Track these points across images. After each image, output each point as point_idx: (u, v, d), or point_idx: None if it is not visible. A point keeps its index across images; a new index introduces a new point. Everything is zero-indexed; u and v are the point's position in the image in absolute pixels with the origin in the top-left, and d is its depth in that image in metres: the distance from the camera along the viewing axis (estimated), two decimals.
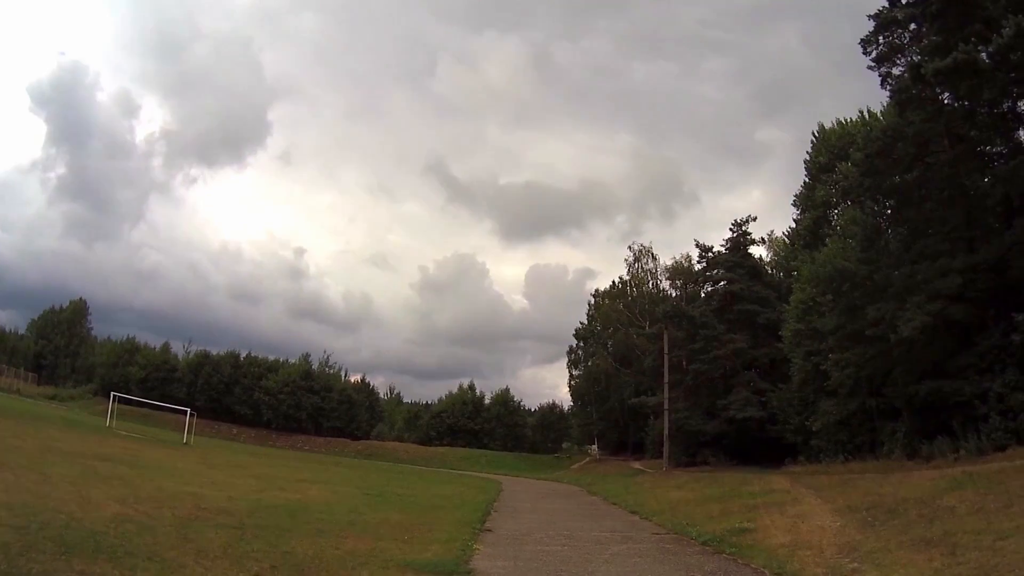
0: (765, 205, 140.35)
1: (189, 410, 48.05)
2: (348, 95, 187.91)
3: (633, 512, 21.57)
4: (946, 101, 28.14)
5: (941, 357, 26.37)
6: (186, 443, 40.76)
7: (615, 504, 25.23)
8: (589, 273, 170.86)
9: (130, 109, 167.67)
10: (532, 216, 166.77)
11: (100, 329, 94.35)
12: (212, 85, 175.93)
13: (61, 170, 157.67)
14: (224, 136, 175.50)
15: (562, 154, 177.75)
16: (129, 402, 54.73)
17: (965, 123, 28.35)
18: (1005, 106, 27.50)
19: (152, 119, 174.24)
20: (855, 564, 10.71)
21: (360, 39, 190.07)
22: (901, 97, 28.38)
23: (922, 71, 24.87)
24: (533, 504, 25.37)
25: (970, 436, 23.74)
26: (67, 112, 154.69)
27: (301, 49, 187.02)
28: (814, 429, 34.11)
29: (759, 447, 40.11)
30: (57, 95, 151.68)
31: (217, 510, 13.90)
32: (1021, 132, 28.04)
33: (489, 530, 15.84)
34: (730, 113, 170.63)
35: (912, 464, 24.63)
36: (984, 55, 23.75)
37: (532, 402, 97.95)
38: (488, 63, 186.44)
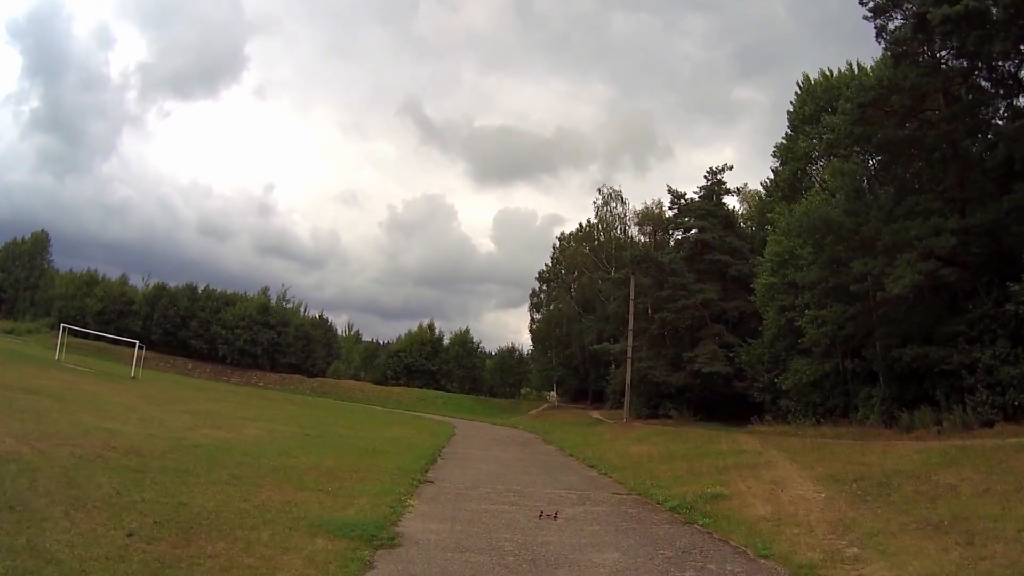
0: (738, 163, 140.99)
1: (138, 343, 46.29)
2: (327, 31, 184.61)
3: (591, 466, 20.10)
4: (943, 60, 26.78)
5: (928, 321, 24.90)
6: (134, 377, 39.04)
7: (572, 456, 23.81)
8: (558, 220, 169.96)
9: (106, 42, 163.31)
10: (504, 160, 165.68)
11: (69, 263, 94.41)
12: (190, 17, 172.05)
13: (35, 103, 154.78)
14: (200, 70, 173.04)
15: (538, 100, 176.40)
16: (85, 335, 53.86)
17: (963, 82, 26.89)
18: (1009, 66, 25.97)
19: (128, 52, 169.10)
20: (855, 548, 9.08)
21: None
22: (897, 50, 26.71)
23: (928, 17, 23.03)
24: (484, 452, 23.88)
25: (955, 408, 22.46)
26: (43, 44, 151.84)
27: None
28: (784, 388, 32.78)
29: (724, 403, 39.02)
30: (33, 27, 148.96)
31: (128, 449, 12.34)
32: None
33: (430, 481, 14.25)
34: (708, 71, 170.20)
35: (891, 433, 23.36)
36: (995, 8, 22.05)
37: (494, 346, 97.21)
38: (470, 4, 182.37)
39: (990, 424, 21.13)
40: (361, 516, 9.47)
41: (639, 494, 14.18)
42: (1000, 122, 27.03)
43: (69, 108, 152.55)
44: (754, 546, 9.16)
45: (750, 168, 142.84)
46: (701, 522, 10.91)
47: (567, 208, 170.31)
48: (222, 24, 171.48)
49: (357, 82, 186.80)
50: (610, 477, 17.40)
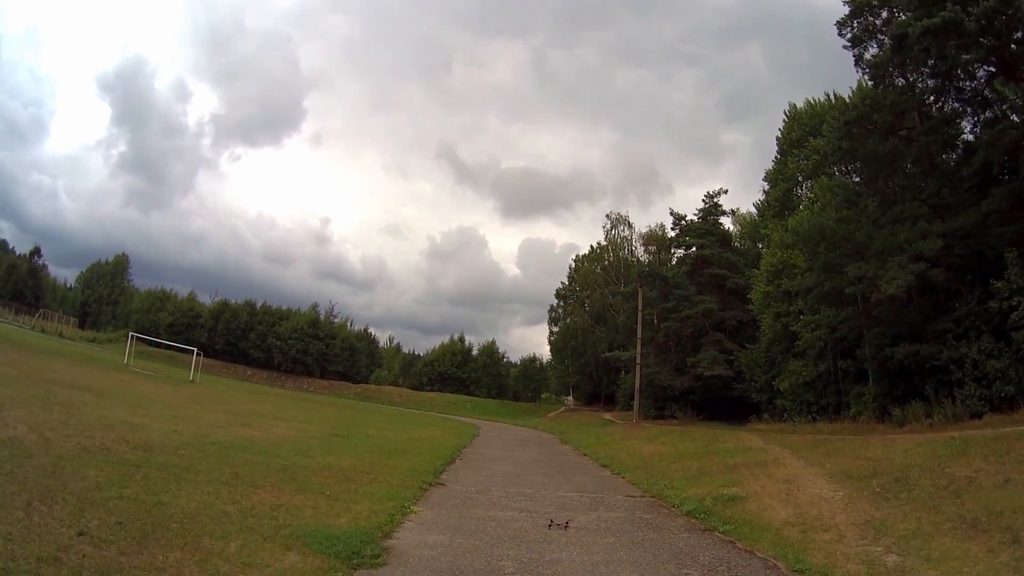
0: (727, 196, 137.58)
1: (196, 350, 44.19)
2: (372, 87, 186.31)
3: (604, 466, 18.01)
4: (916, 81, 25.54)
5: (917, 321, 23.01)
6: (192, 381, 36.94)
7: (586, 455, 21.70)
8: (574, 248, 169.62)
9: (184, 95, 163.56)
10: (527, 197, 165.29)
11: (150, 284, 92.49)
12: (255, 76, 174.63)
13: (122, 147, 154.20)
14: (265, 120, 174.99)
15: (554, 145, 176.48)
16: (158, 344, 52.65)
17: (936, 101, 25.82)
18: (975, 84, 24.55)
19: (203, 104, 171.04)
20: (894, 555, 7.10)
21: (385, 39, 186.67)
22: (876, 73, 25.11)
23: (909, 31, 21.27)
24: (503, 452, 21.83)
25: (944, 402, 20.47)
26: (129, 97, 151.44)
27: (332, 46, 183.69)
28: (780, 389, 30.60)
29: (725, 404, 36.72)
30: (120, 83, 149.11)
31: (139, 443, 10.49)
32: (994, 109, 24.59)
33: (442, 484, 12.21)
34: (699, 117, 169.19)
35: (884, 427, 21.24)
36: (969, 20, 20.34)
37: (519, 356, 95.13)
38: (495, 64, 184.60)
39: (979, 415, 19.10)
40: (353, 525, 7.58)
41: (653, 496, 12.10)
42: (971, 137, 25.39)
43: (152, 152, 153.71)
44: (785, 558, 7.13)
45: (738, 200, 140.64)
46: (722, 529, 8.85)
47: (581, 238, 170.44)
48: (283, 81, 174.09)
49: (399, 130, 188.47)
50: (623, 477, 15.31)
